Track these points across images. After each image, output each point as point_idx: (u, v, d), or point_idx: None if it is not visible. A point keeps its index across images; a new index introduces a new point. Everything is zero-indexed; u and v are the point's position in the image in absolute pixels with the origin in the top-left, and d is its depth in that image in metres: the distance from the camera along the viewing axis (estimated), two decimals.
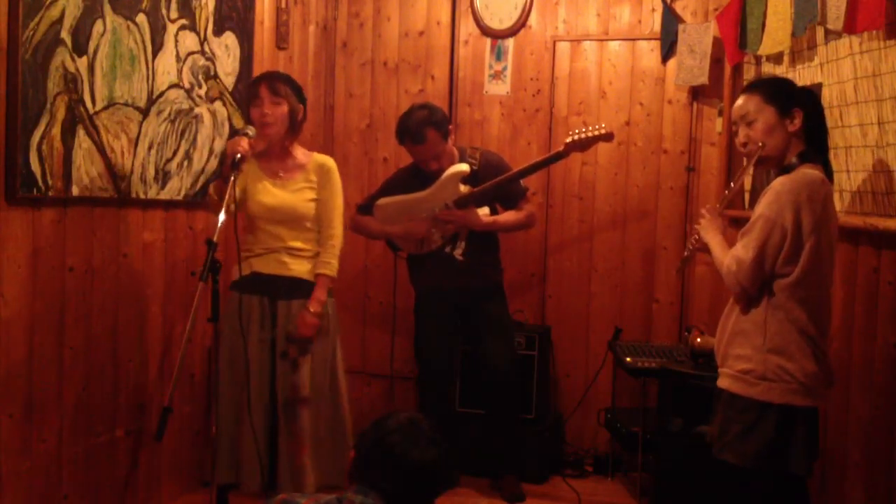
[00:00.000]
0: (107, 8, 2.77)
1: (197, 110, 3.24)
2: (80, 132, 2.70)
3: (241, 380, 2.81)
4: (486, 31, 4.26)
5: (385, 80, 4.42)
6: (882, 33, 2.38)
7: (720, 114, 3.87)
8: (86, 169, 2.73)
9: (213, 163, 3.34)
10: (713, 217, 2.44)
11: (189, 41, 3.19)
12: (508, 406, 3.66)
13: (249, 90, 2.99)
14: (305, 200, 2.92)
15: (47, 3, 2.52)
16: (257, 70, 3.62)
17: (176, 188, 3.15)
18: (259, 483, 2.84)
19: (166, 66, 3.06)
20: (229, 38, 3.43)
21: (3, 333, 2.47)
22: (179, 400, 3.31)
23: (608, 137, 3.46)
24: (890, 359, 2.41)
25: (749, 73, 3.54)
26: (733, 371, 2.28)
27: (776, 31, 3.05)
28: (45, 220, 2.61)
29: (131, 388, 3.04)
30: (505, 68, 4.26)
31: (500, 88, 4.27)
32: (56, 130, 2.60)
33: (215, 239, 2.43)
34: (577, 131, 3.46)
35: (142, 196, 2.99)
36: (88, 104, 2.72)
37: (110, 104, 2.81)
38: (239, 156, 2.64)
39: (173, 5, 3.08)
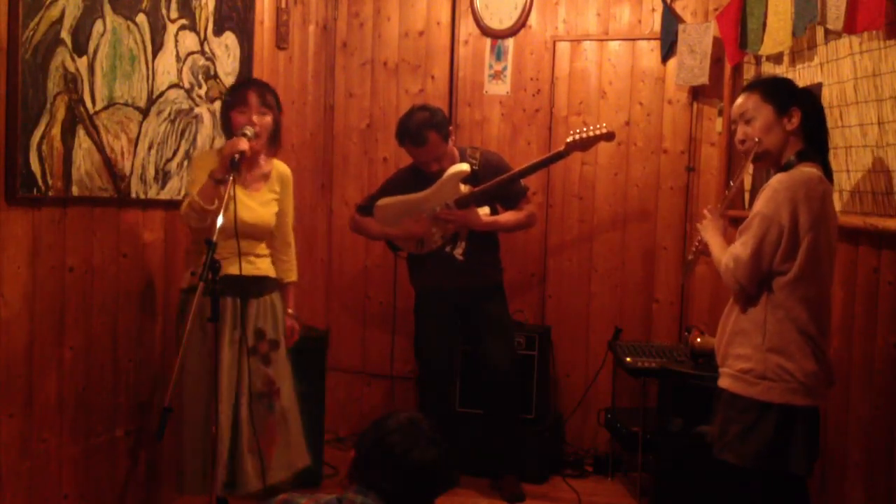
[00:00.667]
0: (107, 8, 2.77)
1: (197, 110, 3.24)
2: (80, 132, 2.70)
3: (209, 383, 2.71)
4: (486, 31, 4.26)
5: (385, 80, 4.42)
6: (882, 33, 2.38)
7: (720, 114, 3.87)
8: (86, 169, 2.73)
9: None
10: (714, 218, 2.45)
11: (189, 41, 3.19)
12: (508, 406, 3.66)
13: (234, 94, 2.90)
14: (273, 214, 2.94)
15: (47, 3, 2.52)
16: (257, 70, 3.62)
17: (176, 188, 3.15)
18: (223, 489, 2.79)
19: (166, 66, 3.06)
20: (229, 38, 3.43)
21: (3, 333, 2.47)
22: (177, 399, 3.31)
23: (609, 137, 3.46)
24: (890, 359, 2.41)
25: (749, 73, 3.54)
26: (733, 371, 2.28)
27: (776, 31, 3.05)
28: (45, 220, 2.61)
29: (131, 388, 3.04)
30: (505, 68, 4.26)
31: (500, 88, 4.27)
32: (56, 130, 2.60)
33: (215, 239, 2.43)
34: (578, 131, 3.46)
35: (142, 196, 2.99)
36: (88, 104, 2.72)
37: (110, 104, 2.81)
38: (237, 156, 2.63)
39: (173, 5, 3.08)
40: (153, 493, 3.20)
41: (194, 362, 2.77)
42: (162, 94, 3.05)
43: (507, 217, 3.64)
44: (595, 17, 4.13)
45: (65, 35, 2.60)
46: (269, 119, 2.87)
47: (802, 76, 2.92)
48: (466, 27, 4.30)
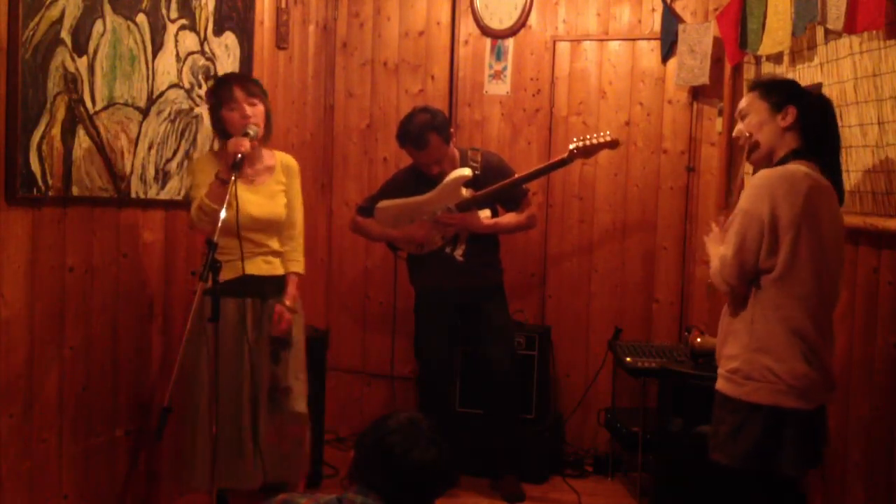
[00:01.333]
0: (107, 8, 2.77)
1: (197, 110, 3.24)
2: (80, 132, 2.70)
3: (231, 383, 2.79)
4: (486, 31, 4.26)
5: (385, 80, 4.42)
6: (882, 33, 2.38)
7: (720, 114, 3.87)
8: (86, 169, 2.73)
9: None
10: (721, 231, 2.44)
11: (189, 41, 3.19)
12: (508, 406, 3.66)
13: (218, 93, 2.86)
14: (282, 206, 2.94)
15: (47, 3, 2.52)
16: (257, 70, 3.62)
17: (176, 188, 3.15)
18: (259, 482, 2.84)
19: (166, 66, 3.06)
20: (229, 38, 3.43)
21: (3, 333, 2.47)
22: (184, 398, 3.31)
23: (613, 145, 3.46)
24: (890, 359, 2.41)
25: (749, 73, 3.54)
26: (724, 371, 2.27)
27: (776, 30, 3.05)
28: (45, 220, 2.61)
29: (131, 388, 3.04)
30: (505, 68, 4.26)
31: (500, 88, 4.27)
32: (56, 130, 2.60)
33: (215, 239, 2.43)
34: (581, 138, 3.46)
35: (142, 196, 2.99)
36: (88, 104, 2.72)
37: (110, 104, 2.81)
38: (240, 156, 2.63)
39: (173, 5, 3.08)
40: (153, 493, 3.20)
41: (206, 362, 2.80)
42: (162, 94, 3.05)
43: (507, 219, 3.64)
44: (595, 17, 4.13)
45: (65, 35, 2.60)
46: (260, 108, 2.86)
47: (802, 76, 2.92)
48: (466, 27, 4.30)
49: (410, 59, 4.38)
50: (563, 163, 3.50)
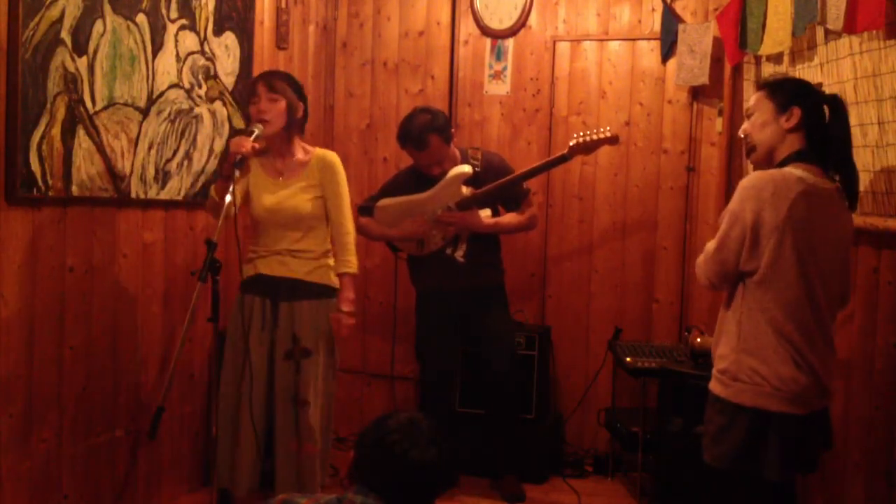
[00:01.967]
0: (107, 8, 2.77)
1: (197, 110, 3.24)
2: (80, 132, 2.70)
3: (241, 381, 2.82)
4: (486, 31, 4.26)
5: (385, 80, 4.42)
6: (882, 33, 2.38)
7: (720, 114, 3.87)
8: (86, 169, 2.73)
9: (213, 163, 3.34)
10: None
11: (189, 41, 3.19)
12: (508, 406, 3.66)
13: (248, 88, 2.97)
14: (307, 200, 2.89)
15: (47, 3, 2.52)
16: (257, 70, 3.62)
17: (176, 188, 3.15)
18: (256, 484, 2.84)
19: (166, 66, 3.06)
20: (229, 38, 3.43)
21: (3, 333, 2.47)
22: (179, 400, 3.32)
23: (613, 141, 3.45)
24: (890, 359, 2.41)
25: (749, 73, 3.54)
26: (715, 371, 2.26)
27: (776, 31, 3.05)
28: (45, 220, 2.61)
29: (131, 388, 3.04)
30: (505, 68, 4.26)
31: (500, 88, 4.27)
32: (56, 130, 2.60)
33: (215, 239, 2.44)
34: (581, 134, 3.45)
35: (142, 196, 2.99)
36: (88, 104, 2.72)
37: (110, 104, 2.81)
38: (240, 156, 2.64)
39: (173, 5, 3.08)
40: (153, 493, 3.20)
41: (229, 363, 2.87)
42: (162, 94, 3.05)
43: (508, 219, 3.63)
44: (595, 17, 4.13)
45: (65, 35, 2.60)
46: (280, 105, 2.84)
47: (802, 76, 2.92)
48: (466, 27, 4.30)
49: (410, 59, 4.38)
50: (563, 159, 3.50)
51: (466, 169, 3.50)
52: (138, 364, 3.07)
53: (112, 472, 2.98)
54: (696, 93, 3.99)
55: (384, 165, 4.39)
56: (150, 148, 3.01)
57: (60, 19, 2.58)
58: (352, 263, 2.93)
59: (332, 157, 3.00)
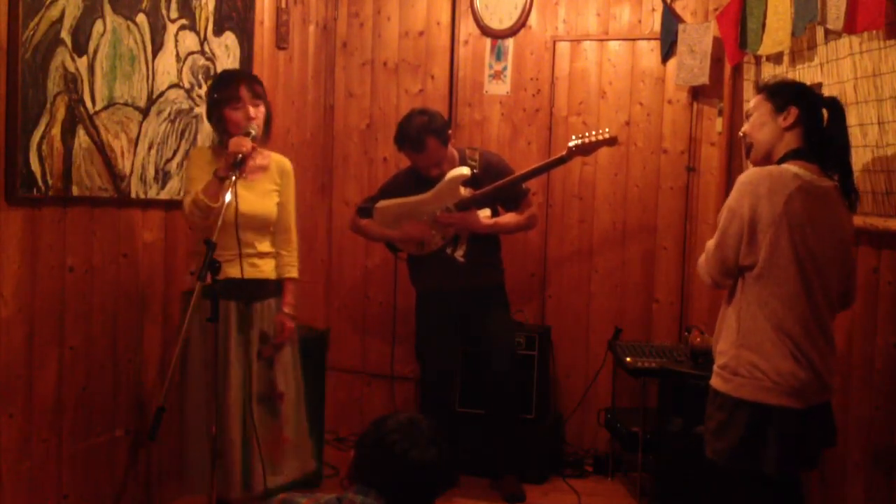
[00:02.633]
0: (107, 8, 2.77)
1: (197, 110, 3.24)
2: (80, 132, 2.70)
3: (216, 386, 2.72)
4: (486, 31, 4.26)
5: (385, 80, 4.42)
6: (882, 33, 2.38)
7: (720, 114, 3.87)
8: (86, 169, 2.73)
9: None
10: None
11: (189, 41, 3.19)
12: (508, 406, 3.65)
13: (223, 90, 2.81)
14: (274, 204, 2.90)
15: (47, 3, 2.52)
16: (257, 70, 3.62)
17: (176, 188, 3.15)
18: (241, 489, 2.81)
19: (166, 66, 3.06)
20: (229, 38, 3.43)
21: (2, 333, 2.47)
22: (179, 400, 3.31)
23: (612, 142, 3.45)
24: (890, 359, 2.41)
25: (749, 73, 3.54)
26: (716, 366, 2.28)
27: (776, 30, 3.05)
28: (45, 220, 2.61)
29: (131, 388, 3.04)
30: (505, 68, 4.26)
31: (500, 88, 4.27)
32: (56, 130, 2.60)
33: (214, 239, 2.44)
34: (580, 136, 3.45)
35: (142, 196, 2.99)
36: (88, 104, 2.72)
37: (110, 104, 2.81)
38: (241, 156, 2.63)
39: (173, 5, 3.08)
40: (153, 493, 3.20)
41: (197, 364, 2.78)
42: (162, 94, 3.05)
43: (507, 219, 3.63)
44: (595, 17, 4.13)
45: (65, 35, 2.60)
46: (262, 109, 2.84)
47: (802, 76, 2.92)
48: (466, 27, 4.30)
49: (410, 59, 4.38)
50: (561, 160, 3.50)
51: (465, 171, 3.50)
52: (138, 364, 3.07)
53: (112, 472, 2.98)
54: (696, 93, 3.99)
55: (384, 165, 4.39)
56: (150, 148, 3.01)
57: (60, 19, 2.58)
58: (297, 269, 3.00)
59: (289, 163, 3.01)
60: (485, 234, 3.60)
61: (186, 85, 3.18)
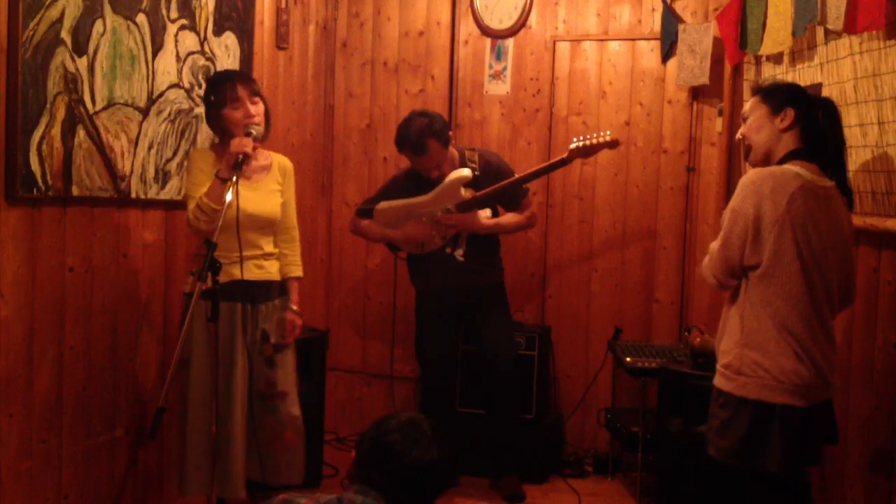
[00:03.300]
0: (107, 8, 2.77)
1: (197, 110, 3.24)
2: (80, 132, 2.70)
3: (218, 387, 2.69)
4: (486, 31, 4.26)
5: (385, 80, 4.42)
6: (882, 33, 2.38)
7: (720, 114, 3.87)
8: (86, 169, 2.73)
9: None
10: None
11: (189, 41, 3.19)
12: (508, 406, 3.66)
13: (220, 90, 2.78)
14: (278, 204, 2.91)
15: (47, 3, 2.52)
16: (257, 70, 3.62)
17: (176, 188, 3.15)
18: (244, 488, 2.82)
19: (166, 66, 3.06)
20: (229, 38, 3.43)
21: (3, 333, 2.47)
22: (179, 400, 3.31)
23: (613, 145, 3.45)
24: (890, 359, 2.41)
25: (749, 74, 3.54)
26: (719, 365, 2.30)
27: (776, 31, 3.05)
28: (45, 220, 2.61)
29: (131, 388, 3.04)
30: (505, 68, 4.26)
31: (500, 88, 4.27)
32: (56, 130, 2.60)
33: (215, 239, 2.43)
34: (581, 138, 3.45)
35: (142, 196, 2.99)
36: (88, 104, 2.72)
37: (110, 104, 2.81)
38: (242, 156, 2.63)
39: (173, 5, 3.08)
40: (153, 493, 3.20)
41: (200, 364, 2.77)
42: (162, 94, 3.05)
43: (508, 219, 3.64)
44: (595, 17, 4.13)
45: (65, 35, 2.60)
46: (261, 107, 2.83)
47: (802, 76, 2.92)
48: (466, 27, 4.30)
49: (410, 59, 4.38)
50: (562, 163, 3.50)
51: (466, 173, 3.50)
52: (138, 364, 3.07)
53: (112, 471, 2.98)
54: (696, 93, 3.99)
55: (384, 165, 4.39)
56: (150, 148, 3.01)
57: (60, 19, 2.58)
58: (301, 267, 3.02)
59: (289, 162, 3.03)
60: (485, 234, 3.60)
61: (186, 85, 3.18)
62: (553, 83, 4.19)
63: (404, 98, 4.37)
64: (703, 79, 3.86)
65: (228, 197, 2.54)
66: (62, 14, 2.58)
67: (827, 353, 2.21)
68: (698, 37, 3.85)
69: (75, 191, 2.69)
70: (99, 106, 2.76)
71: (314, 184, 4.37)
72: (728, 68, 3.75)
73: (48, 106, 2.55)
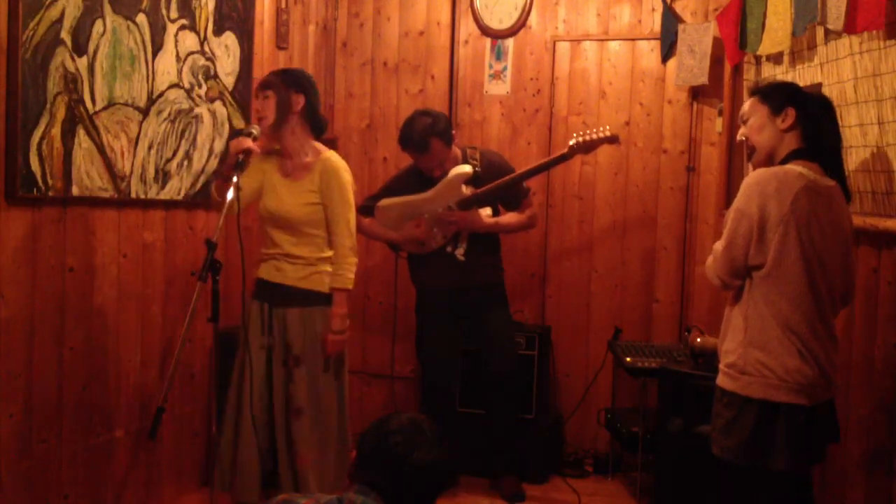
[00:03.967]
0: (107, 8, 2.77)
1: (197, 110, 3.24)
2: (80, 132, 2.70)
3: (244, 386, 2.81)
4: (486, 31, 4.26)
5: (385, 80, 4.42)
6: (882, 33, 2.38)
7: (720, 114, 3.87)
8: (86, 169, 2.73)
9: (213, 163, 3.34)
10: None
11: (189, 41, 3.19)
12: (509, 406, 3.66)
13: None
14: (302, 205, 2.81)
15: (47, 3, 2.52)
16: (257, 70, 3.62)
17: (176, 188, 3.15)
18: (257, 490, 2.83)
19: (166, 66, 3.06)
20: (229, 38, 3.43)
21: (3, 333, 2.47)
22: (180, 400, 3.32)
23: (613, 140, 3.45)
24: (890, 359, 2.41)
25: (749, 73, 3.54)
26: (723, 365, 2.30)
27: (776, 31, 3.05)
28: (45, 220, 2.61)
29: (131, 388, 3.04)
30: (505, 68, 4.26)
31: (500, 88, 4.27)
32: (56, 130, 2.60)
33: (215, 239, 2.43)
34: (581, 133, 3.45)
35: (142, 196, 2.99)
36: (88, 104, 2.72)
37: (110, 104, 2.81)
38: (241, 156, 2.63)
39: (173, 5, 3.08)
40: (153, 493, 3.20)
41: (239, 365, 2.85)
42: (162, 94, 3.05)
43: (508, 218, 3.64)
44: (595, 17, 4.13)
45: (65, 35, 2.60)
46: (271, 100, 2.80)
47: (802, 76, 2.92)
48: (466, 27, 4.30)
49: (410, 59, 4.38)
50: (563, 158, 3.50)
51: (467, 169, 3.50)
52: (138, 364, 3.07)
53: (112, 471, 2.98)
54: (696, 93, 3.99)
55: (384, 165, 4.39)
56: (150, 148, 3.01)
57: (60, 19, 2.58)
58: (344, 279, 2.83)
59: (336, 162, 2.86)
60: (485, 234, 3.60)
61: (186, 85, 3.18)
62: (553, 83, 4.19)
63: (404, 98, 4.37)
64: (703, 79, 3.85)
65: (229, 196, 2.56)
66: (62, 14, 2.58)
67: (829, 352, 2.22)
68: (698, 37, 3.85)
69: (75, 191, 2.69)
70: (99, 106, 2.76)
71: None
72: (728, 68, 3.75)
73: (48, 106, 2.55)
